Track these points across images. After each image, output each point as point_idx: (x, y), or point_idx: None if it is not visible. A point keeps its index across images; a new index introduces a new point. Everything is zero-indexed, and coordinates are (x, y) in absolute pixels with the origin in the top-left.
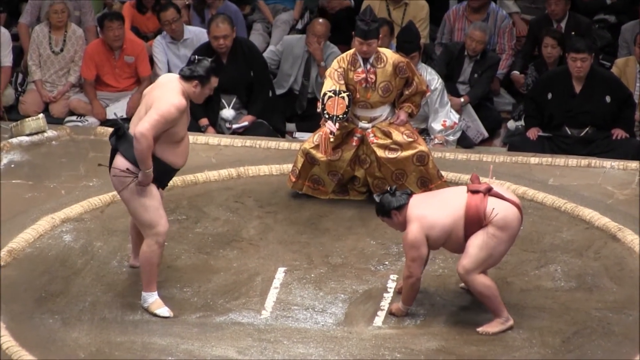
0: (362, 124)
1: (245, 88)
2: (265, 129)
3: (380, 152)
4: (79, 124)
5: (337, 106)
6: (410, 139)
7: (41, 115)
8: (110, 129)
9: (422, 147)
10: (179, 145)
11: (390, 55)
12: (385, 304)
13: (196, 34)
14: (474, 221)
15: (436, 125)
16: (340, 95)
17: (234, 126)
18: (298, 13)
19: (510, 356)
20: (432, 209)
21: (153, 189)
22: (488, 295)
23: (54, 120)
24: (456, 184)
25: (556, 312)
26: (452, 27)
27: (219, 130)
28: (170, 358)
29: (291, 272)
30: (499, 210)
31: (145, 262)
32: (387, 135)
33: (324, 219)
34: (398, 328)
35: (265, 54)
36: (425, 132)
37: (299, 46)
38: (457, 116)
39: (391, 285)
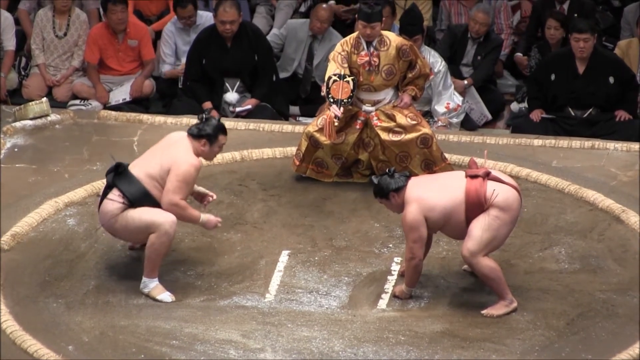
0: (366, 107)
1: (249, 72)
2: (269, 112)
3: (384, 135)
4: (83, 107)
5: (341, 90)
6: (413, 122)
7: (44, 99)
8: (114, 112)
9: (425, 129)
10: None
11: (393, 38)
12: (389, 286)
13: (206, 18)
14: (475, 205)
15: (439, 108)
16: (345, 80)
17: (238, 109)
18: None
19: (514, 338)
20: (432, 192)
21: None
22: (493, 278)
23: (57, 104)
24: (460, 166)
25: (560, 294)
26: (449, 12)
27: (223, 114)
28: (174, 342)
29: (295, 255)
30: (500, 192)
31: (152, 251)
32: (391, 118)
33: (327, 201)
34: (402, 311)
35: (268, 37)
36: (428, 115)
37: (302, 30)
38: (461, 98)
39: (395, 267)
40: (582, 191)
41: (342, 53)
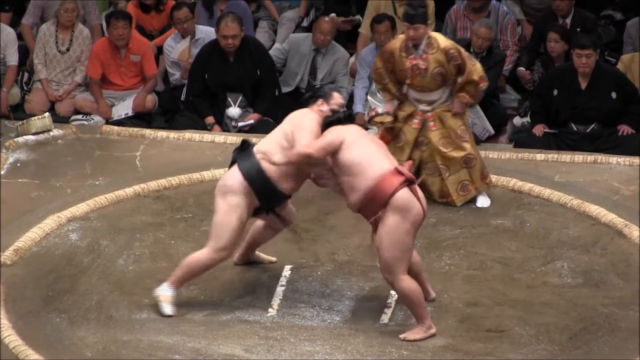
0: (422, 107)
1: (252, 86)
2: (271, 127)
3: (435, 140)
4: (85, 122)
5: (384, 117)
6: (462, 138)
7: (47, 114)
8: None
9: (469, 150)
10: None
11: (441, 41)
12: (391, 301)
13: (207, 33)
14: (378, 191)
15: None
16: (390, 115)
17: (240, 124)
18: (304, 10)
19: (517, 353)
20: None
21: (245, 214)
22: (412, 300)
23: (59, 119)
24: None
25: (563, 309)
26: (455, 26)
27: (225, 129)
28: (177, 356)
29: (298, 270)
30: (407, 199)
31: (191, 265)
32: (443, 123)
33: (330, 216)
34: (405, 325)
35: (271, 52)
36: None
37: (305, 44)
38: None
39: None
40: (584, 206)
41: (380, 69)
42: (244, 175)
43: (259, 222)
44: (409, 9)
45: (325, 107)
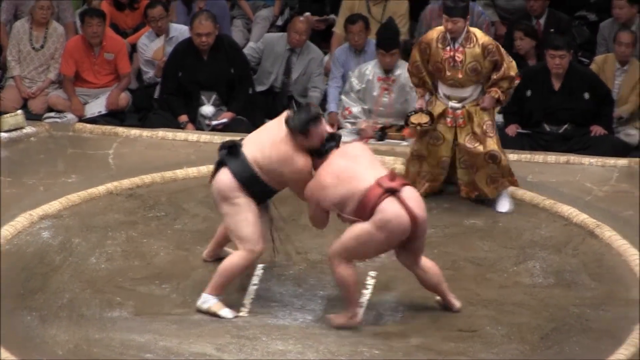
0: (453, 104)
1: (226, 85)
2: (245, 125)
3: (461, 137)
4: (58, 120)
5: (421, 119)
6: (487, 134)
7: (20, 111)
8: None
9: (494, 146)
10: None
11: (480, 36)
12: (364, 300)
13: (181, 31)
14: (363, 210)
15: None
16: (424, 112)
17: (214, 123)
18: (278, 9)
19: (489, 352)
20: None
21: (253, 205)
22: (344, 286)
23: (32, 117)
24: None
25: (535, 309)
26: (429, 26)
27: (199, 127)
28: (148, 355)
29: (270, 269)
30: (387, 213)
31: (228, 269)
32: (471, 119)
33: (304, 215)
34: (377, 325)
35: (245, 51)
36: (404, 129)
37: (280, 44)
38: None
39: (370, 282)
40: (557, 206)
41: (417, 62)
42: (238, 180)
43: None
44: (449, 2)
45: (306, 142)
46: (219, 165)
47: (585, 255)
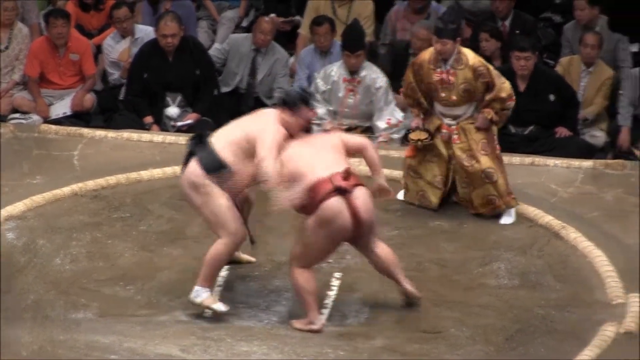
0: (447, 121)
1: (191, 86)
2: (210, 126)
3: (458, 153)
4: (23, 121)
5: (419, 135)
6: (482, 152)
7: None
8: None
9: (489, 164)
10: None
11: (471, 58)
12: (328, 301)
13: (147, 33)
14: (311, 200)
15: (380, 124)
16: (421, 129)
17: (179, 124)
18: (244, 11)
19: (453, 354)
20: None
21: (225, 193)
22: (299, 292)
23: None
24: (402, 184)
25: (500, 310)
26: (394, 27)
27: (164, 128)
28: (113, 356)
29: (235, 270)
30: (328, 211)
31: (215, 258)
32: (467, 138)
33: (269, 216)
34: (342, 326)
35: (210, 52)
36: (370, 130)
37: (245, 45)
38: (402, 114)
39: (334, 283)
40: (522, 207)
41: (412, 83)
42: (207, 170)
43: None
44: (438, 23)
45: (291, 119)
46: (189, 156)
47: (550, 256)
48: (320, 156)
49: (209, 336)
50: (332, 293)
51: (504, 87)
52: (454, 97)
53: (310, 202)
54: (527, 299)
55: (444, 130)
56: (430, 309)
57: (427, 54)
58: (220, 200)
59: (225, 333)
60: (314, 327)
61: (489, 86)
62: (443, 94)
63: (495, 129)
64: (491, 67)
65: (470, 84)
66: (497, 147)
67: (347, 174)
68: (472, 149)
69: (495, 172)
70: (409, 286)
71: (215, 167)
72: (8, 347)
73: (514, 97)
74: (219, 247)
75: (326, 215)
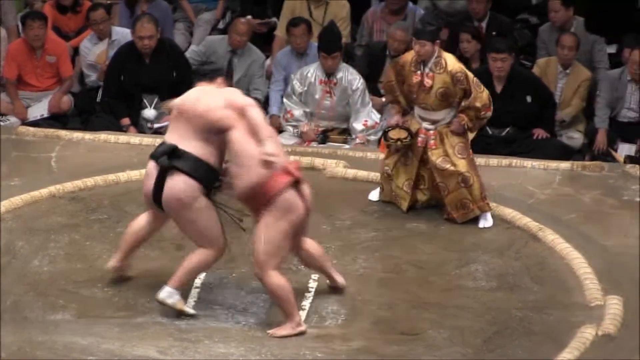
0: (426, 125)
1: (168, 88)
2: None
3: (434, 157)
4: (0, 123)
5: (399, 133)
6: (459, 155)
7: None
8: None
9: (465, 168)
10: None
11: (450, 63)
12: (306, 303)
13: (124, 35)
14: (265, 192)
15: (357, 125)
16: (401, 127)
17: (156, 126)
18: (220, 12)
19: (431, 355)
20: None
21: (211, 205)
22: (280, 296)
23: None
24: (379, 184)
25: (477, 312)
26: (371, 29)
27: (141, 130)
28: (91, 357)
29: (213, 271)
30: (287, 201)
31: (196, 267)
32: (442, 141)
33: (247, 219)
34: (319, 327)
35: (187, 54)
36: (346, 132)
37: (221, 46)
38: (379, 116)
39: (312, 285)
40: (499, 209)
41: (392, 81)
42: (196, 178)
43: (136, 224)
44: (418, 24)
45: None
46: (162, 175)
47: (527, 258)
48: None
49: (187, 337)
50: (310, 295)
51: (481, 96)
52: (432, 101)
53: (262, 192)
54: (504, 300)
55: (421, 135)
56: (407, 311)
57: (409, 55)
58: (210, 214)
59: (203, 334)
60: (301, 328)
61: (467, 93)
62: (421, 97)
63: (469, 134)
64: (470, 75)
65: (448, 88)
66: (471, 152)
67: (296, 165)
68: (448, 153)
69: (471, 176)
70: (339, 278)
71: (203, 171)
72: None
73: (491, 108)
74: (203, 257)
75: (288, 207)
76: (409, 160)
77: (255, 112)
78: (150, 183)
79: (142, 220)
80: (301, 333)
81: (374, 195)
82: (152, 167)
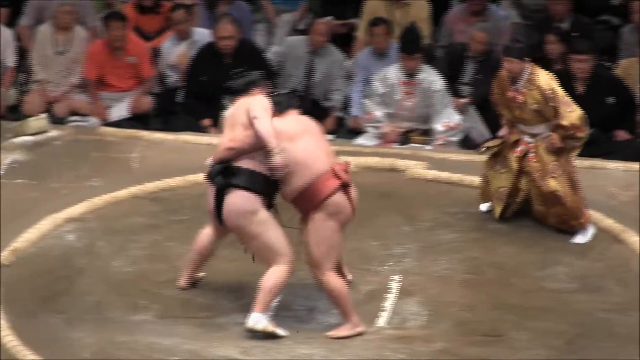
0: (526, 138)
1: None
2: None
3: (532, 172)
4: (82, 124)
5: (494, 142)
6: (552, 174)
7: (43, 115)
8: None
9: (555, 187)
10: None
11: (541, 80)
12: (387, 305)
13: (204, 36)
14: (315, 196)
15: (438, 126)
16: (499, 137)
17: None
18: (300, 14)
19: (513, 357)
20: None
21: (269, 214)
22: (337, 296)
23: (56, 120)
24: (460, 185)
25: (559, 313)
26: (452, 30)
27: (221, 131)
28: (173, 358)
29: (294, 272)
30: (337, 203)
31: (275, 287)
32: (541, 158)
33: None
34: (401, 329)
35: (267, 55)
36: (427, 133)
37: (301, 47)
38: (460, 117)
39: (393, 286)
40: None
41: (495, 94)
42: (256, 190)
43: (199, 242)
44: (508, 42)
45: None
46: (220, 194)
47: (610, 260)
48: (318, 145)
49: (269, 339)
50: (391, 296)
51: (569, 115)
52: (527, 117)
53: (312, 195)
54: (587, 302)
55: (521, 146)
56: (489, 313)
57: (506, 73)
58: (274, 227)
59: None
60: (360, 329)
61: (557, 111)
62: (517, 111)
63: (573, 152)
64: (561, 93)
65: (541, 105)
66: (572, 169)
67: (346, 167)
68: (544, 169)
69: (563, 195)
70: (348, 274)
71: (260, 182)
72: (70, 349)
73: (583, 129)
74: (278, 275)
75: (337, 209)
76: (505, 169)
77: (259, 125)
78: (212, 202)
79: (204, 238)
80: (360, 333)
81: (484, 207)
82: (210, 188)
